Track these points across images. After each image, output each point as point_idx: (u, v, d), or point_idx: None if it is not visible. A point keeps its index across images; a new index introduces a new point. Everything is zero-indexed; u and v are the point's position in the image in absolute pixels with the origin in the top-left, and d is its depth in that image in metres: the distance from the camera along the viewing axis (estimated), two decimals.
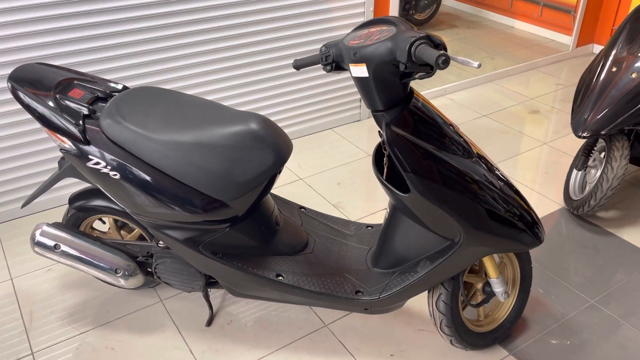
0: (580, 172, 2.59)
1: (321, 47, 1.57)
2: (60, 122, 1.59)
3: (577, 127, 2.33)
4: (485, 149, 3.14)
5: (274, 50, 2.91)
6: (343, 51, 1.49)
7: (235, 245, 1.73)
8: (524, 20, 4.98)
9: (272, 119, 3.08)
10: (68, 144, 1.60)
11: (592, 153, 2.50)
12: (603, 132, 2.26)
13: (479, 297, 1.84)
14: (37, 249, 1.80)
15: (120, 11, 2.41)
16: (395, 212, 1.69)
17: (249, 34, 2.79)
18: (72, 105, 1.61)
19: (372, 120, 3.44)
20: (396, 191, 1.51)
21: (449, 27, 5.15)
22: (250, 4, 2.71)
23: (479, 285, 1.81)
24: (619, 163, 2.30)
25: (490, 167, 1.58)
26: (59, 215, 2.58)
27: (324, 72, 3.11)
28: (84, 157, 1.60)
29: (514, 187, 1.62)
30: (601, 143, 2.50)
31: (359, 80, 1.46)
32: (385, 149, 1.52)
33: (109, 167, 1.58)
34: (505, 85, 3.96)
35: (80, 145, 1.59)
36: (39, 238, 1.79)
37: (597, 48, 4.49)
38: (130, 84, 2.59)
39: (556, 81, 4.04)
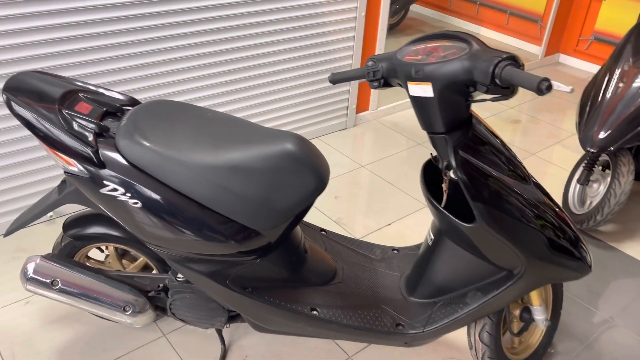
0: (579, 186, 2.59)
1: (367, 61, 1.44)
2: (69, 141, 1.36)
3: (585, 141, 2.31)
4: None
5: (258, 57, 2.73)
6: (397, 67, 1.36)
7: (266, 277, 1.56)
8: (490, 27, 5.03)
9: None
10: (77, 167, 1.38)
11: (595, 167, 2.51)
12: (612, 148, 2.25)
13: (516, 324, 1.76)
14: (30, 286, 1.55)
15: (122, 21, 2.16)
16: (441, 238, 1.57)
17: (231, 39, 2.60)
18: (81, 122, 1.38)
19: (358, 129, 3.33)
20: (457, 221, 1.39)
21: (416, 32, 5.12)
22: (237, 6, 2.53)
23: (517, 312, 1.73)
24: (626, 178, 2.30)
25: (545, 192, 1.50)
26: (41, 233, 2.29)
27: (311, 79, 2.96)
28: (97, 182, 1.37)
29: (564, 211, 1.56)
30: (603, 157, 2.51)
31: (419, 100, 1.34)
32: (445, 174, 1.41)
33: (128, 195, 1.37)
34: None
35: (93, 169, 1.37)
36: (32, 274, 1.54)
37: (563, 57, 4.59)
38: (136, 96, 2.34)
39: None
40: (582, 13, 4.35)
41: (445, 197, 1.45)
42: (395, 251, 1.87)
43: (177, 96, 2.54)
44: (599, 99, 2.38)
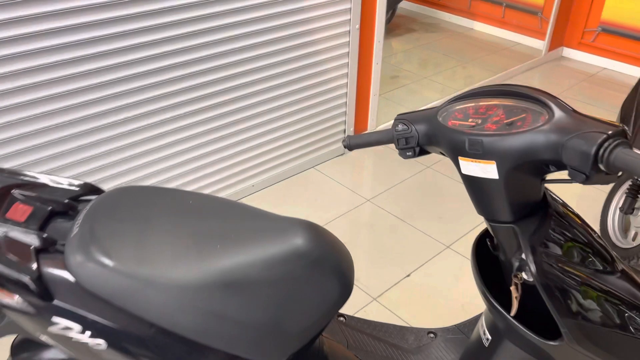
0: (620, 214, 2.26)
1: (396, 123, 1.09)
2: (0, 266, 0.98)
3: None
4: None
5: (241, 87, 2.35)
6: (439, 134, 1.01)
7: None
8: (484, 22, 4.69)
9: (244, 163, 2.53)
10: (15, 299, 1.00)
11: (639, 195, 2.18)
12: None
13: None
14: None
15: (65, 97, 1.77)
16: (502, 340, 1.23)
17: (209, 70, 2.22)
18: (16, 235, 1.01)
19: (357, 153, 2.97)
20: (536, 338, 1.04)
21: (406, 31, 4.76)
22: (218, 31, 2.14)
23: None
24: None
25: (632, 278, 1.16)
26: None
27: (302, 105, 2.59)
28: (43, 319, 1.00)
29: None
30: None
31: (476, 181, 0.99)
32: (516, 277, 1.06)
33: (87, 333, 1.00)
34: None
35: (36, 301, 0.99)
36: None
37: (567, 51, 4.27)
38: (93, 180, 1.96)
39: None
40: (587, 2, 4.02)
41: (515, 305, 1.10)
42: (432, 335, 1.52)
43: (148, 156, 2.15)
44: None
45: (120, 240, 1.01)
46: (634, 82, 3.87)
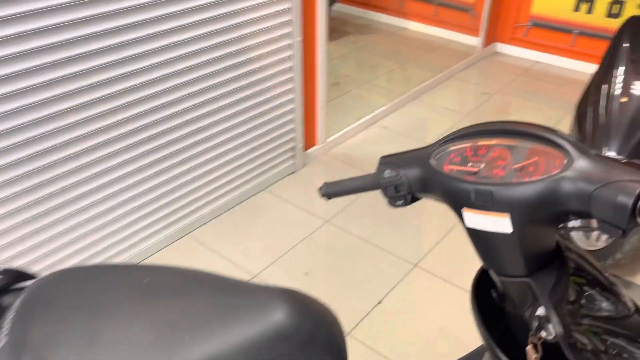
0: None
1: (381, 168, 0.95)
2: None
3: None
4: None
5: (176, 116, 2.15)
6: (434, 179, 0.88)
7: None
8: (417, 20, 4.66)
9: (188, 196, 2.32)
10: None
11: None
12: None
13: None
14: None
15: None
16: None
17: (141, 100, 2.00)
18: None
19: (309, 170, 2.82)
20: None
21: (342, 34, 4.65)
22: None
23: None
24: None
25: None
26: None
27: (247, 126, 2.40)
28: None
29: None
30: None
31: (486, 235, 0.86)
32: (537, 336, 0.94)
33: None
34: (431, 100, 3.57)
35: None
36: None
37: (501, 47, 4.30)
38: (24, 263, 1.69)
39: (476, 89, 3.74)
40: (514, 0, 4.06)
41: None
42: None
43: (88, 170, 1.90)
44: (604, 115, 2.02)
45: (65, 347, 0.81)
46: (568, 75, 3.95)
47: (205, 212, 2.40)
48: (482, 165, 0.85)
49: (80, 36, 1.69)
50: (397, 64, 4.06)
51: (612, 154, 1.91)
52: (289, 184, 2.71)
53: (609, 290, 0.97)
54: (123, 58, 1.82)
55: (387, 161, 0.96)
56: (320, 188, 1.05)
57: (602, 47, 3.85)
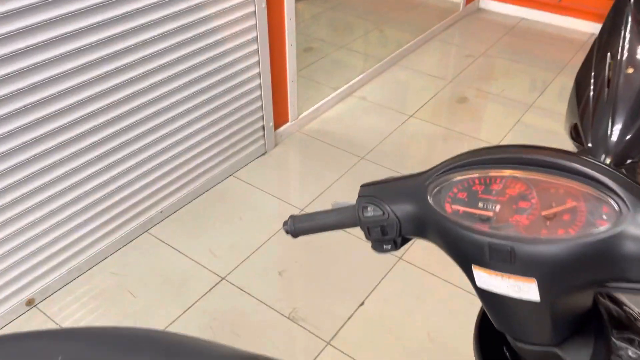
0: None
1: (362, 203, 0.73)
2: None
3: (598, 148, 1.75)
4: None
5: (133, 97, 1.86)
6: (432, 222, 0.66)
7: None
8: None
9: (147, 188, 2.06)
10: None
11: None
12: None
13: None
14: None
15: None
16: None
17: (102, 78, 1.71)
18: None
19: (280, 150, 2.58)
20: None
21: None
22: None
23: None
24: None
25: None
26: None
27: (210, 106, 2.13)
28: None
29: None
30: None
31: (503, 300, 0.65)
32: None
33: None
34: (412, 65, 3.30)
35: None
36: None
37: (483, 2, 4.02)
38: None
39: (459, 51, 3.49)
40: None
41: None
42: None
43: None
44: (602, 91, 1.80)
45: None
46: (556, 32, 3.70)
47: (165, 205, 2.15)
48: (497, 207, 0.63)
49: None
50: (375, 25, 3.76)
51: (615, 133, 1.70)
52: (259, 167, 2.47)
53: None
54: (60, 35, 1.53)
55: (370, 193, 0.73)
56: (285, 223, 0.82)
57: (592, 2, 3.60)
